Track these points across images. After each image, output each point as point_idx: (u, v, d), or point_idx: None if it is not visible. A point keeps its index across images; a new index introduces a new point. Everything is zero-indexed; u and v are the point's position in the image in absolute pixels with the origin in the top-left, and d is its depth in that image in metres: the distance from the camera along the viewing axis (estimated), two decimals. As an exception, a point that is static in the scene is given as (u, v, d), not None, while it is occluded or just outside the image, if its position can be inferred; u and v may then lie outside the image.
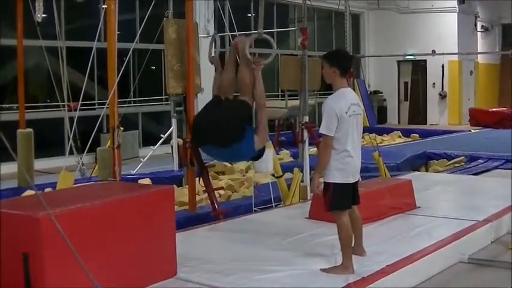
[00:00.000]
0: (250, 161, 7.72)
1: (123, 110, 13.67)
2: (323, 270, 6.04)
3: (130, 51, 11.12)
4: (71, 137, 11.12)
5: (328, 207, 6.09)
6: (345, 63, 6.11)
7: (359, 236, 6.45)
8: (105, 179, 8.58)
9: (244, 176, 13.05)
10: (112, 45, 8.48)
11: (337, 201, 6.01)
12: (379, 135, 21.72)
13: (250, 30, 19.32)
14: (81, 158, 11.14)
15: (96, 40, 10.38)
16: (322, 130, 5.92)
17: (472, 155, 15.50)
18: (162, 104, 18.90)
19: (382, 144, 18.84)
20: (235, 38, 7.29)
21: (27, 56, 13.75)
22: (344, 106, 5.91)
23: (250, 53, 7.20)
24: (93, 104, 16.99)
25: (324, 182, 6.10)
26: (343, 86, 6.06)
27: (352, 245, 6.26)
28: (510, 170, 13.06)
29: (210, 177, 9.54)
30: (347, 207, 6.11)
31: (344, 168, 5.98)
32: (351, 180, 6.07)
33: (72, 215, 4.82)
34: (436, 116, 27.75)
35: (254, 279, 5.72)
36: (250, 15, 22.34)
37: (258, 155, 7.05)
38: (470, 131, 23.75)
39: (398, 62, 28.29)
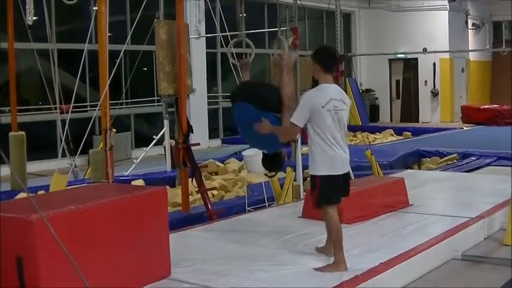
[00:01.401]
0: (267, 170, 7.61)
1: (115, 112, 13.65)
2: (316, 269, 6.03)
3: (122, 53, 11.10)
4: (63, 139, 11.09)
5: (317, 203, 6.05)
6: (327, 60, 6.14)
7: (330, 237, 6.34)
8: (98, 180, 8.56)
9: (237, 176, 13.06)
10: (103, 47, 8.47)
11: (325, 195, 5.98)
12: (372, 133, 21.78)
13: (242, 31, 19.40)
14: (73, 160, 11.11)
15: (87, 42, 10.35)
16: (292, 119, 5.98)
17: (464, 152, 15.57)
18: (154, 105, 18.91)
19: (375, 143, 18.91)
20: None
21: (19, 59, 13.73)
22: (322, 100, 5.92)
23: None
24: (85, 106, 16.98)
25: (311, 176, 6.12)
26: (327, 82, 6.09)
27: (323, 245, 6.27)
28: (502, 167, 13.12)
29: (203, 177, 9.56)
30: (336, 201, 6.07)
31: (329, 160, 5.94)
32: (339, 172, 6.02)
33: (66, 217, 4.81)
34: (428, 114, 27.82)
35: (248, 279, 5.72)
36: (241, 15, 22.33)
37: (276, 160, 7.08)
38: (462, 128, 23.85)
39: (390, 60, 28.35)
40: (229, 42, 7.55)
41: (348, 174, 6.25)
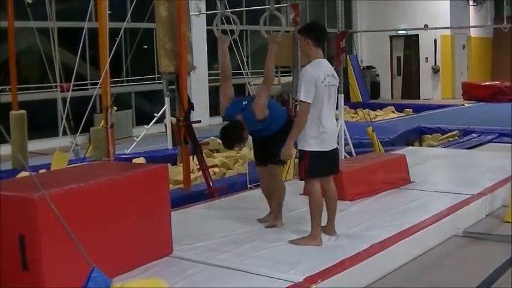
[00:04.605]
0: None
1: (116, 90, 13.61)
2: (291, 241, 6.12)
3: (122, 31, 11.05)
4: (64, 117, 11.08)
5: (304, 176, 6.14)
6: (318, 34, 6.18)
7: (332, 215, 6.39)
8: (99, 159, 8.56)
9: (238, 153, 13.04)
10: (103, 25, 8.43)
11: (312, 169, 6.06)
12: (373, 110, 21.72)
13: (242, 7, 19.34)
14: (74, 139, 11.11)
15: (87, 20, 10.30)
16: (301, 97, 5.96)
17: (465, 129, 15.53)
18: (155, 83, 18.88)
19: (376, 120, 18.88)
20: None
21: (19, 37, 13.68)
22: (321, 75, 5.99)
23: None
24: (86, 85, 16.96)
25: (299, 150, 6.17)
26: (319, 57, 6.14)
27: (324, 224, 6.29)
28: (503, 144, 13.11)
29: (204, 155, 9.55)
30: (323, 175, 6.17)
31: (319, 136, 6.02)
32: (327, 148, 6.11)
33: (67, 195, 4.81)
34: (429, 91, 27.76)
35: (250, 256, 5.74)
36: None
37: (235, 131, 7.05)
38: (463, 105, 23.79)
39: (391, 37, 28.25)
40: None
41: (336, 149, 6.35)
